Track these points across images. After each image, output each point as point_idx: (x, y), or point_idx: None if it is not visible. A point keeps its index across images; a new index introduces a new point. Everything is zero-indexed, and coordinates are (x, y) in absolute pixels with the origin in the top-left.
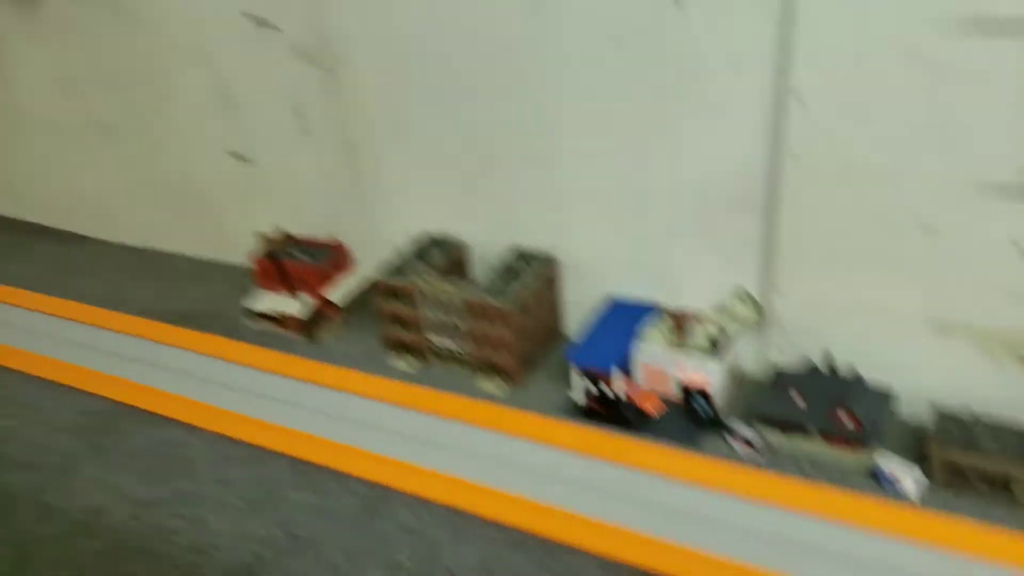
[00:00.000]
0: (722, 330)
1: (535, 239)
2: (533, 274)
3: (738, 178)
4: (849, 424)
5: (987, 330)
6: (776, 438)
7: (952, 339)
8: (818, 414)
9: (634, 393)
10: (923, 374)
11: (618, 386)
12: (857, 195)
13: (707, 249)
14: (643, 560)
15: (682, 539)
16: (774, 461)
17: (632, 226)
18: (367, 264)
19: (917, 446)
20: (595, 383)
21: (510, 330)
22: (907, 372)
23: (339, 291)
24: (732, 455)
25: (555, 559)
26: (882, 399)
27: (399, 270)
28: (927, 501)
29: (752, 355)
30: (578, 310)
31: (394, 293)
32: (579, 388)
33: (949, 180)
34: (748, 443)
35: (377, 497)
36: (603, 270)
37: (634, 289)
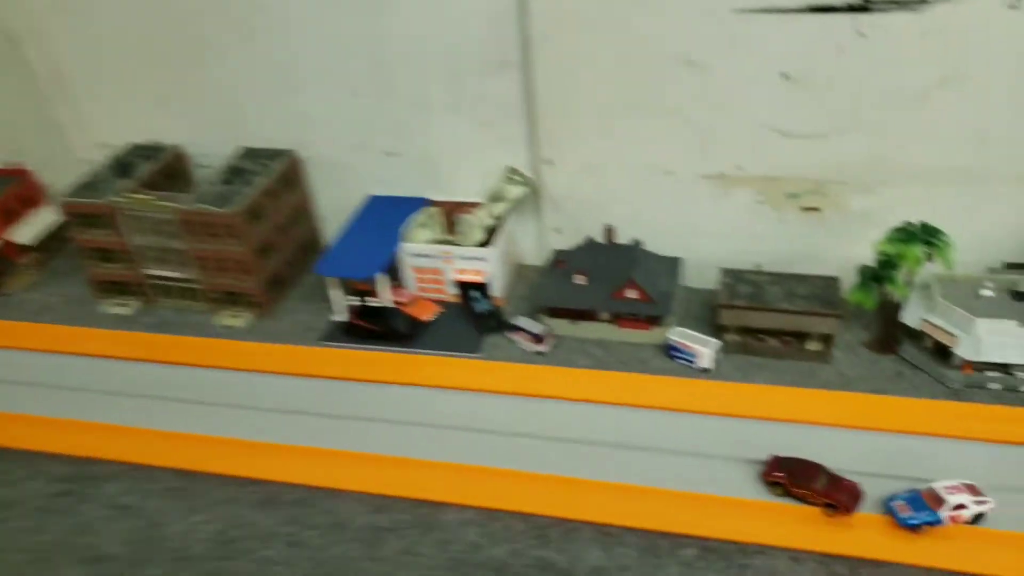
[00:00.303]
0: (496, 217)
1: (269, 135)
2: (267, 175)
3: (488, 32)
4: (637, 299)
5: (766, 179)
6: (563, 327)
7: (733, 194)
8: (603, 295)
9: (404, 300)
10: (709, 236)
11: (384, 295)
12: (614, 31)
13: (467, 124)
14: (427, 492)
15: (465, 458)
16: (563, 351)
17: (380, 106)
18: (62, 192)
19: (710, 315)
20: (357, 295)
21: (245, 246)
22: (692, 237)
23: (27, 229)
24: (517, 353)
25: (313, 509)
26: (670, 270)
27: (90, 188)
28: (723, 370)
29: (531, 241)
30: (337, 216)
31: (88, 218)
32: (339, 304)
33: (708, 5)
34: (533, 337)
35: (81, 476)
36: (356, 164)
37: (396, 185)
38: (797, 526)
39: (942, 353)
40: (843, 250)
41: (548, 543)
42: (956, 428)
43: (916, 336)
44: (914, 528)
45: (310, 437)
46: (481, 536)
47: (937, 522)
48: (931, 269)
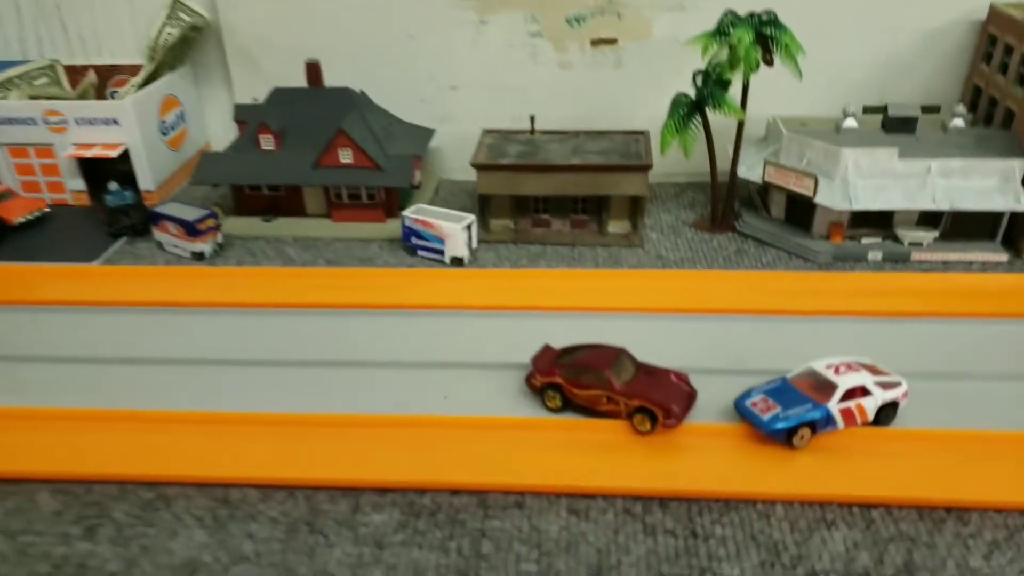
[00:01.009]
0: (153, 70)
1: None
2: None
3: None
4: (354, 167)
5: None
6: (252, 226)
7: (495, 23)
8: (304, 164)
9: None
10: (467, 89)
11: None
12: None
13: None
14: None
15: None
16: (241, 251)
17: None
18: None
19: (479, 205)
20: None
21: None
22: (441, 98)
23: None
24: (171, 259)
25: None
26: (411, 137)
27: None
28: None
29: (218, 114)
30: None
31: None
32: None
33: None
34: (185, 229)
35: None
36: None
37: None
38: (585, 455)
39: (800, 218)
40: (652, 100)
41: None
42: (826, 303)
43: (761, 205)
44: (787, 436)
45: None
46: None
47: (825, 421)
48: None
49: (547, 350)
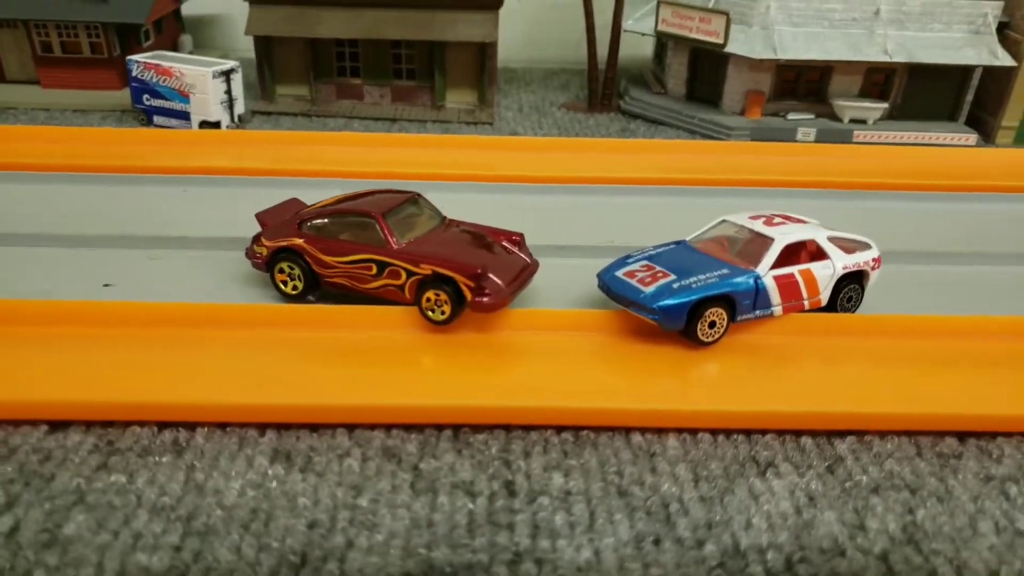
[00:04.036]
0: None
1: None
2: None
3: None
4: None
5: None
6: None
7: None
8: None
9: None
10: None
11: None
12: None
13: None
14: None
15: None
16: None
17: None
18: None
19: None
20: None
21: None
22: None
23: None
24: None
25: None
26: None
27: None
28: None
29: None
30: None
31: None
32: None
33: None
34: None
35: None
36: None
37: None
38: (337, 367)
39: (706, 90)
40: None
41: None
42: (742, 174)
43: (655, 82)
44: (685, 320)
45: None
46: None
47: (751, 298)
48: None
49: (289, 204)
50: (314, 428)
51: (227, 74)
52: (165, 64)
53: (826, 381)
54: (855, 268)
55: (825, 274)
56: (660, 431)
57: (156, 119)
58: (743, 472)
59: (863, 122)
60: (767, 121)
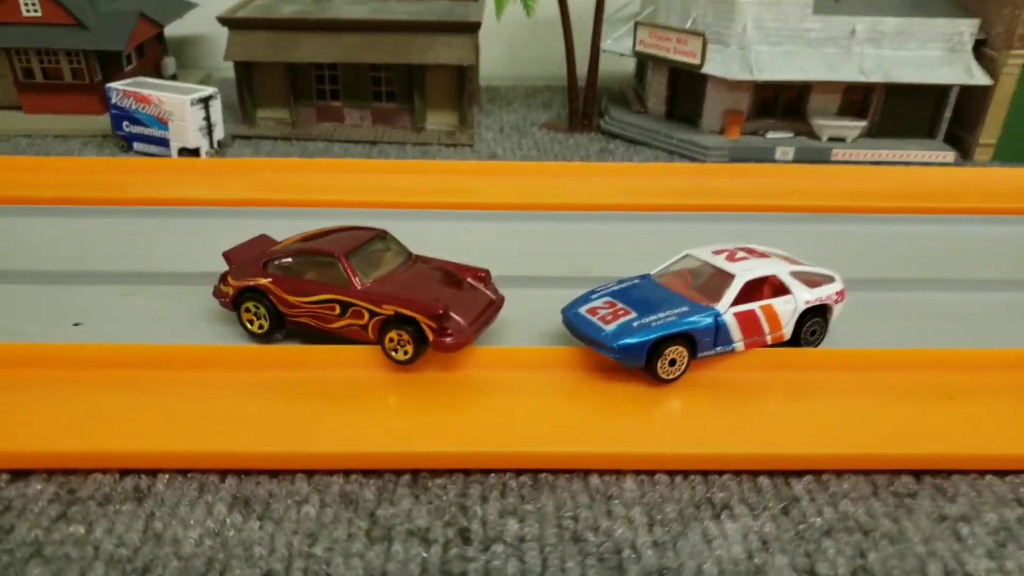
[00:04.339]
0: None
1: None
2: None
3: None
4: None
5: None
6: None
7: None
8: None
9: None
10: None
11: None
12: None
13: None
14: None
15: None
16: None
17: None
18: None
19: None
20: None
21: None
22: None
23: None
24: None
25: None
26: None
27: None
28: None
29: None
30: None
31: None
32: None
33: None
34: None
35: None
36: None
37: None
38: (299, 407)
39: (686, 109)
40: None
41: None
42: (717, 199)
43: (635, 99)
44: (646, 358)
45: None
46: None
47: (711, 334)
48: None
49: (257, 241)
50: (274, 474)
51: (206, 101)
52: (144, 92)
53: (787, 418)
54: (818, 302)
55: (787, 309)
56: (619, 472)
57: (136, 145)
58: (698, 515)
59: (842, 140)
60: (746, 140)
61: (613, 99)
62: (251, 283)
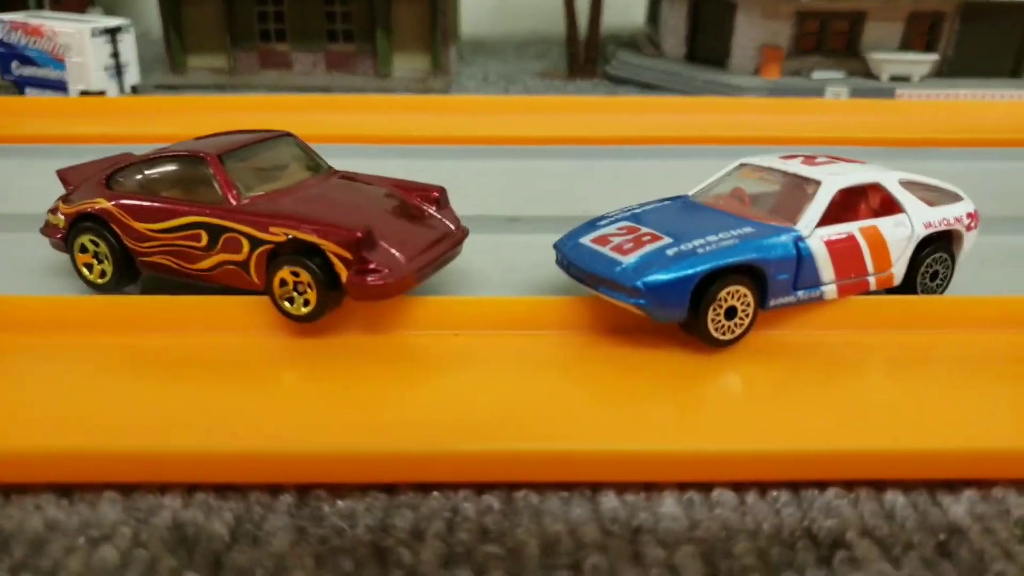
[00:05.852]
0: None
1: None
2: None
3: None
4: None
5: None
6: None
7: None
8: None
9: None
10: None
11: None
12: None
13: None
14: None
15: None
16: None
17: None
18: None
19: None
20: None
21: None
22: None
23: None
24: None
25: None
26: None
27: None
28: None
29: None
30: None
31: None
32: None
33: None
34: None
35: None
36: None
37: None
38: (147, 388)
39: (710, 48)
40: None
41: None
42: (764, 131)
43: (647, 43)
44: (690, 304)
45: None
46: None
47: (790, 271)
48: None
49: (114, 159)
50: (64, 491)
51: (112, 33)
52: (35, 22)
53: (914, 399)
54: (942, 227)
55: (899, 235)
56: (650, 486)
57: (28, 91)
58: (792, 560)
59: (906, 79)
60: (787, 81)
61: (622, 46)
62: (88, 207)
